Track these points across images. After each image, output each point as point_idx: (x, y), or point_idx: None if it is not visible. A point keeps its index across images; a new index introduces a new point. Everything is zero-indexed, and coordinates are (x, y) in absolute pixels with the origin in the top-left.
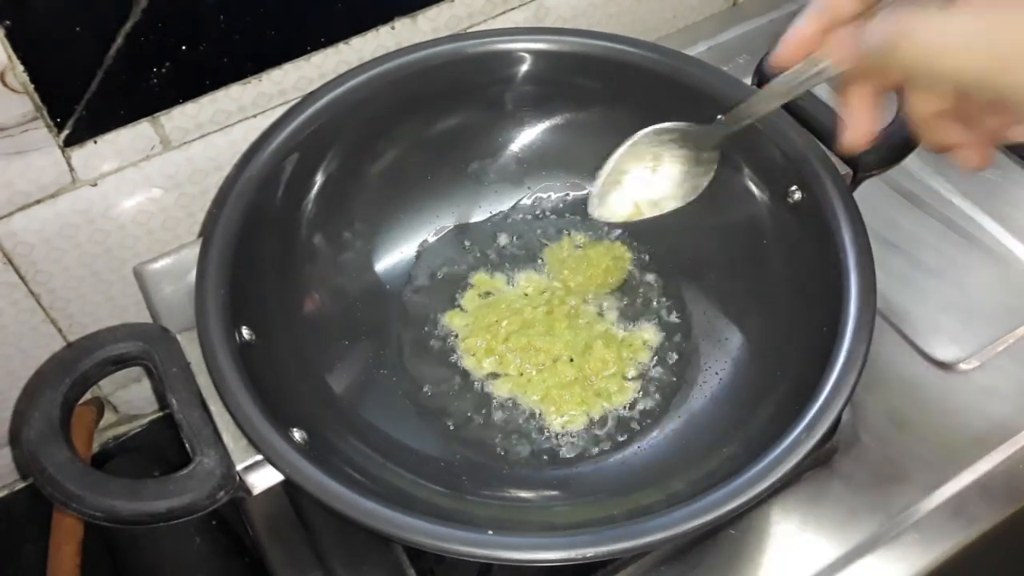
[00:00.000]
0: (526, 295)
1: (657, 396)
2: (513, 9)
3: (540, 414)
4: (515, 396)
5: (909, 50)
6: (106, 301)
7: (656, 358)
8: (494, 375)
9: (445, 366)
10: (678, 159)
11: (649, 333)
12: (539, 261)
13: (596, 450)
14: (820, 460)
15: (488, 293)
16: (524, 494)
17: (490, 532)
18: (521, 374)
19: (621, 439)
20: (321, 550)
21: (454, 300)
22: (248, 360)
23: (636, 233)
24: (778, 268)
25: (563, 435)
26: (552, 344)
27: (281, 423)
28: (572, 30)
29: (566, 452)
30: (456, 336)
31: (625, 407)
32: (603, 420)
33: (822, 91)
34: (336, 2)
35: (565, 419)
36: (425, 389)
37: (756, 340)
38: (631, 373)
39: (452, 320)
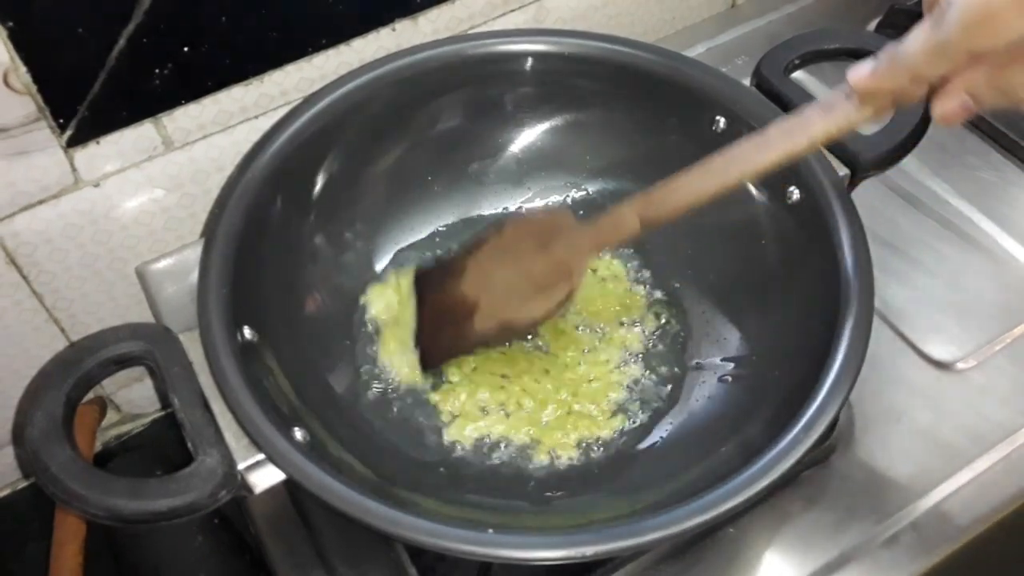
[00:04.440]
0: None
1: (656, 396)
2: (513, 11)
3: (540, 408)
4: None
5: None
6: (108, 301)
7: (655, 358)
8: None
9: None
10: None
11: (648, 333)
12: None
13: (597, 450)
14: (818, 459)
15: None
16: (525, 494)
17: (490, 531)
18: (523, 390)
19: (621, 439)
20: (322, 548)
21: None
22: (250, 360)
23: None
24: (776, 268)
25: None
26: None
27: (283, 422)
28: (572, 32)
29: (567, 456)
30: None
31: (625, 407)
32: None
33: (820, 91)
34: (337, 4)
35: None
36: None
37: (754, 340)
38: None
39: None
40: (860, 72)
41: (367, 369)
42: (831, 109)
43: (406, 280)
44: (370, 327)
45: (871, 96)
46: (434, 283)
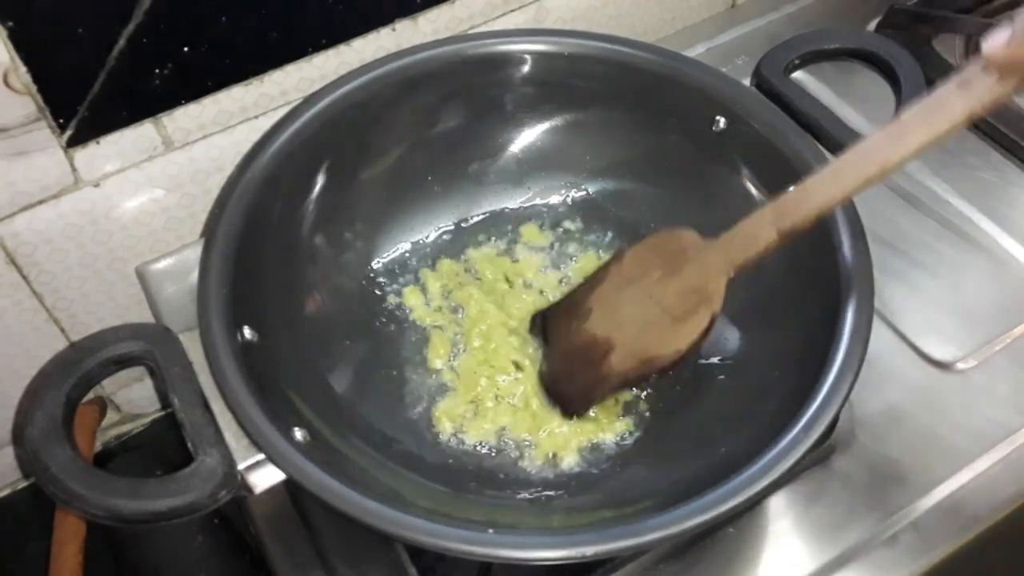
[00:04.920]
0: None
1: (656, 396)
2: (513, 11)
3: (538, 414)
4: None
5: None
6: (108, 301)
7: None
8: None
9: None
10: None
11: None
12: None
13: (598, 450)
14: (818, 459)
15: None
16: (525, 494)
17: (490, 531)
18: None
19: (622, 439)
20: (322, 548)
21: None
22: (250, 360)
23: (635, 235)
24: (776, 268)
25: (565, 438)
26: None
27: (283, 422)
28: (572, 32)
29: (569, 456)
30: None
31: (627, 408)
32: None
33: (819, 91)
34: (337, 4)
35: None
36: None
37: (755, 340)
38: None
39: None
40: (997, 41)
41: (416, 380)
42: (969, 86)
43: (438, 281)
44: (417, 331)
45: (1012, 67)
46: (559, 325)
